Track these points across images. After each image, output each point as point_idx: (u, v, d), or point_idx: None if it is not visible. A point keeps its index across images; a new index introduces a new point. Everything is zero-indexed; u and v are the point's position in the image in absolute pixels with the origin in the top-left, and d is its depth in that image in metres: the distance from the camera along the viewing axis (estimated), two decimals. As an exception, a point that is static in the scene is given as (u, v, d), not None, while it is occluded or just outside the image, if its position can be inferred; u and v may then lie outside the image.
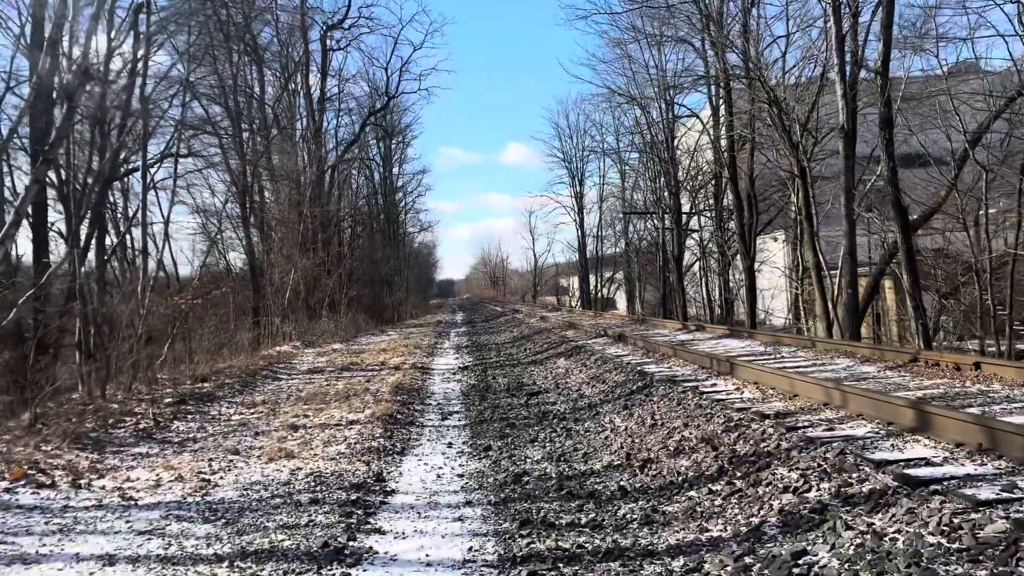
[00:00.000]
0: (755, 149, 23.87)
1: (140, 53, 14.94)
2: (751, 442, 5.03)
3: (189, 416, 9.73)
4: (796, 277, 24.23)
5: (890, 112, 14.40)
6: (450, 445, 7.12)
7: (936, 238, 20.24)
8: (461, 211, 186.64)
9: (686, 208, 32.16)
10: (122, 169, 19.17)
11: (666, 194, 32.71)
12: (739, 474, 4.62)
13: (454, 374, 12.92)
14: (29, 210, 17.25)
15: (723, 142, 26.11)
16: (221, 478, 6.34)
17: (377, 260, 42.07)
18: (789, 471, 4.36)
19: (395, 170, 48.72)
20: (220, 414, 9.95)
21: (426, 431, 7.87)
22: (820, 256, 17.70)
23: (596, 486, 5.24)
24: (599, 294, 54.50)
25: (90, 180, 19.49)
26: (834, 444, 4.58)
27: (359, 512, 5.07)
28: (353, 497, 5.44)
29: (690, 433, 5.74)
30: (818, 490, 4.00)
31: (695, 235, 32.90)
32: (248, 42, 24.77)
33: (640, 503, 4.73)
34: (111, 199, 22.82)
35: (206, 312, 22.49)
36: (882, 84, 14.25)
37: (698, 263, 33.68)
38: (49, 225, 18.10)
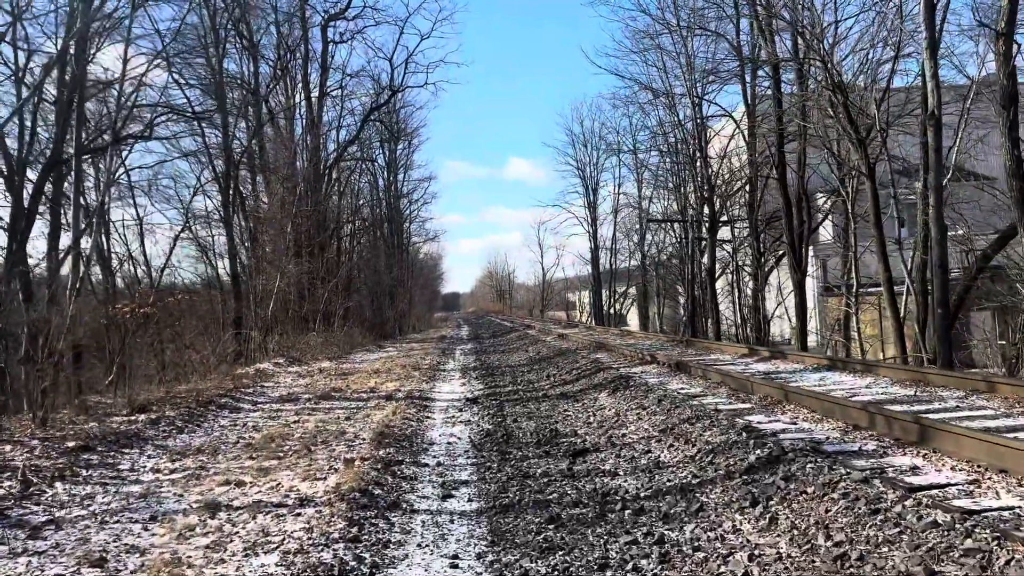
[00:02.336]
0: (806, 145, 20.92)
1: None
2: None
3: (85, 472, 6.80)
4: (850, 294, 21.18)
5: (1014, 86, 11.43)
6: (455, 563, 4.13)
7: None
8: (467, 225, 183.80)
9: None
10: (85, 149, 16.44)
11: (693, 199, 29.83)
12: None
13: (460, 411, 9.93)
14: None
15: (764, 140, 23.20)
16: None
17: (379, 269, 39.32)
18: None
19: (400, 176, 46.05)
20: (131, 469, 7.03)
21: (416, 525, 4.89)
22: (903, 267, 14.70)
23: None
24: (611, 309, 51.42)
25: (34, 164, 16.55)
26: None
27: None
28: None
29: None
30: None
31: (726, 246, 29.93)
32: (235, 21, 22.04)
33: None
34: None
35: (177, 323, 19.64)
36: (1005, 50, 11.30)
37: (729, 276, 30.68)
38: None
